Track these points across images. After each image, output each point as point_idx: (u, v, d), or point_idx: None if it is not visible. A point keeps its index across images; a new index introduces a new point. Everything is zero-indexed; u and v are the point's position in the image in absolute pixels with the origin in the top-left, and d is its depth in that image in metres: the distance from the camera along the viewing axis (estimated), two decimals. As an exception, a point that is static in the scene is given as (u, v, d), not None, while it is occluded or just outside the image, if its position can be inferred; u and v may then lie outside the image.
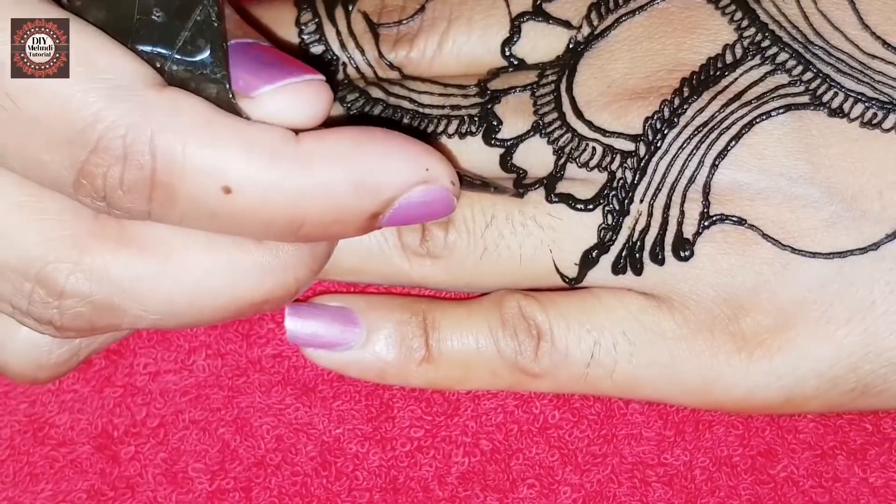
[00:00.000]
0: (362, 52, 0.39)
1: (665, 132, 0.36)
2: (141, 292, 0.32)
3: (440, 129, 0.38)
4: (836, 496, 0.38)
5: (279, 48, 0.33)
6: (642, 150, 0.36)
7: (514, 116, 0.38)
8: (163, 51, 0.31)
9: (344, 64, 0.39)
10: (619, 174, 0.37)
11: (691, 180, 0.36)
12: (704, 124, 0.36)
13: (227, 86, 0.31)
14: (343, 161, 0.31)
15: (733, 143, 0.36)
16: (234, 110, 0.31)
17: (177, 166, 0.30)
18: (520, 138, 0.38)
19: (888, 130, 0.36)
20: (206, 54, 0.31)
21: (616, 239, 0.37)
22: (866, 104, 0.36)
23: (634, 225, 0.37)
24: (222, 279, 0.32)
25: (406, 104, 0.38)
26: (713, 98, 0.36)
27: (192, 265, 0.32)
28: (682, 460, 0.38)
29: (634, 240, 0.37)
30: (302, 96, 0.31)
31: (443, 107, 0.38)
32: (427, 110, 0.38)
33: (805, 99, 0.36)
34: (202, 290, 0.32)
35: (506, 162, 0.38)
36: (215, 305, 0.32)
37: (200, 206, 0.30)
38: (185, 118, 0.30)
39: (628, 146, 0.37)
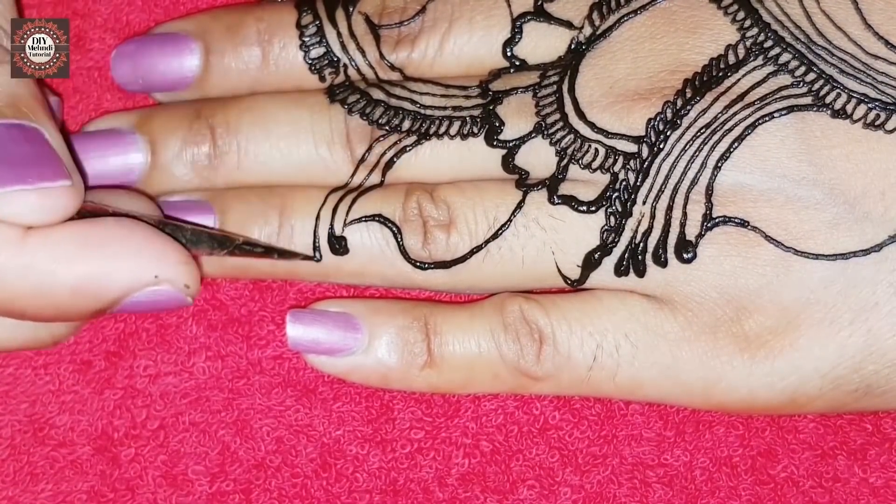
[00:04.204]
0: (363, 53, 0.39)
1: (668, 133, 0.36)
2: None
3: (442, 130, 0.38)
4: (836, 496, 0.38)
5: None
6: (645, 151, 0.36)
7: (517, 117, 0.38)
8: None
9: (345, 66, 0.39)
10: (621, 176, 0.37)
11: (694, 182, 0.36)
12: (707, 125, 0.36)
13: None
14: (63, 264, 0.32)
15: (736, 144, 0.36)
16: None
17: None
18: (522, 139, 0.37)
19: (891, 132, 0.36)
20: None
21: (618, 241, 0.37)
22: (869, 105, 0.36)
23: (637, 227, 0.37)
24: None
25: (407, 105, 0.38)
26: (716, 99, 0.36)
27: None
28: (683, 461, 0.38)
29: (637, 241, 0.37)
30: (33, 203, 0.32)
31: (444, 108, 0.38)
32: (429, 111, 0.38)
33: (808, 100, 0.36)
34: None
35: (508, 163, 0.38)
36: None
37: None
38: None
39: (631, 147, 0.36)
